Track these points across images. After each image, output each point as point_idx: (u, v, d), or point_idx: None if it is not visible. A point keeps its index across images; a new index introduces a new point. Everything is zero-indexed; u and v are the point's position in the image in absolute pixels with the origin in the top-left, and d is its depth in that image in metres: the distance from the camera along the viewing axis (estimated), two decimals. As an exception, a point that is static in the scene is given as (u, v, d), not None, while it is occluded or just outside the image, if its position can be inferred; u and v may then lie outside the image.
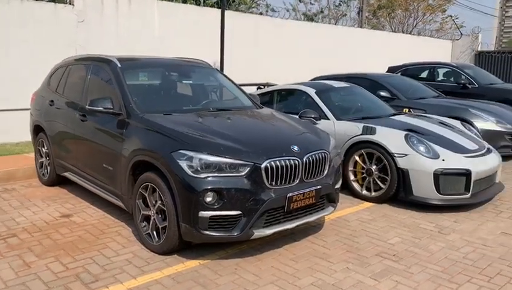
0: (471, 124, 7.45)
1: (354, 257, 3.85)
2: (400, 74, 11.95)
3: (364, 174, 5.42)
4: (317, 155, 3.91)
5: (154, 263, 3.65)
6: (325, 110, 6.00)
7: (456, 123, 6.17)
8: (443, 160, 4.99)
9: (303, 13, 26.04)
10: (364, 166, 5.42)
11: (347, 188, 5.59)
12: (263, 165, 3.54)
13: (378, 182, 5.30)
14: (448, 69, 11.32)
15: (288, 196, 3.63)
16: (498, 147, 7.35)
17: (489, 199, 5.41)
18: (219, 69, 9.44)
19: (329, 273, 3.54)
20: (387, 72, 12.20)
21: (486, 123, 7.46)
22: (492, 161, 5.41)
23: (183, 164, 3.47)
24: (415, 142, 5.12)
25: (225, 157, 3.51)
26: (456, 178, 4.96)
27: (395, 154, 5.09)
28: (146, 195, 3.83)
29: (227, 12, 11.76)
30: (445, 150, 5.15)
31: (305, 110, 6.00)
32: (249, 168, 3.51)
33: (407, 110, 8.19)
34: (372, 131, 5.39)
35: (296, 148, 3.80)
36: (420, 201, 5.01)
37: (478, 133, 6.12)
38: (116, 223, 4.53)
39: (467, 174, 4.96)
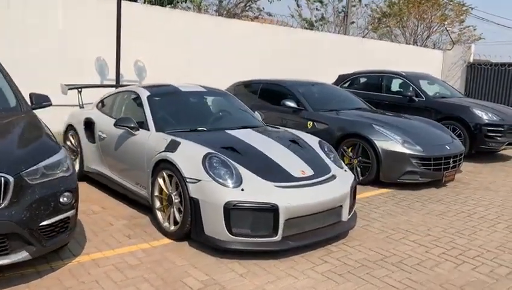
0: (370, 142, 6.18)
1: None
2: (349, 82, 10.72)
3: (167, 203, 4.25)
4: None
5: None
6: (148, 118, 4.84)
7: (314, 142, 4.89)
8: (242, 189, 3.76)
9: (303, 19, 24.76)
10: (167, 192, 4.24)
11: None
12: None
13: (177, 214, 4.11)
14: (398, 79, 9.96)
15: None
16: (403, 172, 6.07)
17: (322, 242, 4.13)
18: (116, 66, 8.38)
19: None
20: (336, 80, 10.96)
21: (388, 143, 6.13)
22: (332, 192, 4.12)
23: None
24: (215, 164, 3.90)
25: None
26: (256, 215, 3.72)
27: (188, 179, 3.89)
28: None
29: (150, 8, 10.78)
30: (256, 176, 3.92)
31: (122, 117, 4.89)
32: None
33: (310, 123, 6.99)
34: (174, 147, 4.21)
35: None
36: (212, 243, 3.79)
37: (337, 156, 4.82)
38: None
39: (273, 210, 3.71)
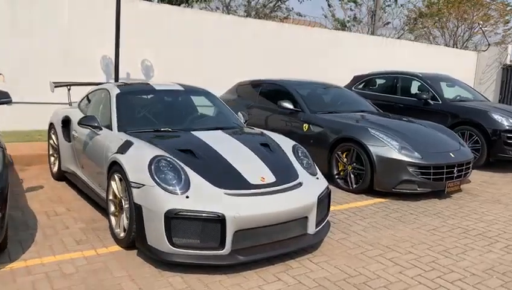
0: (363, 147, 5.71)
1: None
2: (363, 83, 10.19)
3: (119, 207, 3.98)
4: None
5: None
6: (112, 117, 4.60)
7: (288, 146, 4.49)
8: (187, 197, 3.43)
9: (335, 19, 24.08)
10: (119, 196, 3.96)
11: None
12: None
13: (125, 220, 3.83)
14: (414, 81, 9.34)
15: None
16: (398, 181, 5.57)
17: (285, 256, 3.74)
18: (114, 65, 8.22)
19: None
20: (351, 81, 10.46)
21: (383, 149, 5.63)
22: (294, 201, 3.72)
23: None
24: (162, 168, 3.59)
25: None
26: (201, 225, 3.37)
27: (132, 184, 3.60)
28: None
29: (159, 6, 10.61)
30: (207, 182, 3.58)
31: (86, 116, 4.68)
32: None
33: (306, 125, 6.59)
34: (125, 148, 3.93)
35: None
36: (154, 254, 3.47)
37: (311, 161, 4.40)
38: None
39: (219, 220, 3.36)
